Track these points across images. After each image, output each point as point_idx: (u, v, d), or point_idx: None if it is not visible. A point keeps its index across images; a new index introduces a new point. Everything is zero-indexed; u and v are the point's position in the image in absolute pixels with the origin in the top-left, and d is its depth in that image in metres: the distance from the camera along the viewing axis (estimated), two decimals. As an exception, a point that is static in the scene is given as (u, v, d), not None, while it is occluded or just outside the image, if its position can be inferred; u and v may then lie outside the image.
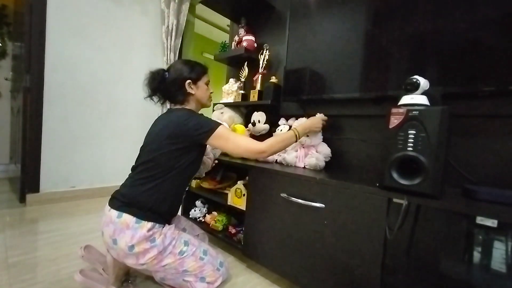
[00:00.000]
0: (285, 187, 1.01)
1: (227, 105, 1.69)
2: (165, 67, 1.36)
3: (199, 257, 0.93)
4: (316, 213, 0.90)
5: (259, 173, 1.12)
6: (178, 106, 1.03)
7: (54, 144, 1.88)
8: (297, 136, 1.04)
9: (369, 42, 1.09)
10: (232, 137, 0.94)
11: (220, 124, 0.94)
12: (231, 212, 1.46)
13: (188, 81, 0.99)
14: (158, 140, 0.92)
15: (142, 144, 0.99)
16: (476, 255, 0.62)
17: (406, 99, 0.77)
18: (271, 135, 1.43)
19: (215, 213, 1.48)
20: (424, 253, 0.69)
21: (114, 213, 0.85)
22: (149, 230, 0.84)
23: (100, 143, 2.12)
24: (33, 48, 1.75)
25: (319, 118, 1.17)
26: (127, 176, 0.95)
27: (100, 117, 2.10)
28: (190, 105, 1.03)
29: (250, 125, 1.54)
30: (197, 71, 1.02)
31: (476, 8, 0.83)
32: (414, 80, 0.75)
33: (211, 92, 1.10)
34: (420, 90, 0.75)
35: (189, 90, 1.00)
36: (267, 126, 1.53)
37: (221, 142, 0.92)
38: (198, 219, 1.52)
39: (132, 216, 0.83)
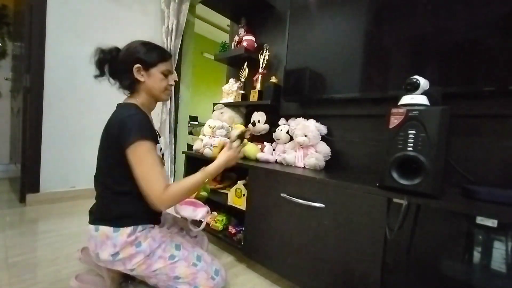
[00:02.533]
0: (285, 187, 1.01)
1: (227, 105, 1.69)
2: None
3: (192, 263, 0.87)
4: (316, 213, 0.90)
5: (259, 173, 1.12)
6: (126, 98, 0.93)
7: (54, 144, 1.88)
8: (208, 178, 0.89)
9: (369, 42, 1.09)
10: (147, 163, 0.76)
11: (148, 139, 0.77)
12: (231, 212, 1.46)
13: (137, 65, 0.85)
14: (101, 145, 0.85)
15: None
16: (476, 255, 0.62)
17: (406, 99, 0.77)
18: (271, 135, 1.44)
19: (215, 213, 1.48)
20: (424, 253, 0.69)
21: (91, 227, 0.83)
22: (129, 235, 0.80)
23: (100, 143, 2.11)
24: (33, 48, 1.75)
25: (235, 153, 0.96)
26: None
27: (100, 117, 2.08)
28: (140, 96, 0.89)
29: (250, 125, 1.55)
30: (153, 55, 0.86)
31: (476, 8, 0.83)
32: (414, 80, 0.75)
33: (171, 84, 0.92)
34: (420, 90, 0.75)
35: (137, 76, 0.86)
36: (267, 126, 1.53)
37: (133, 160, 0.76)
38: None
39: (109, 226, 0.80)
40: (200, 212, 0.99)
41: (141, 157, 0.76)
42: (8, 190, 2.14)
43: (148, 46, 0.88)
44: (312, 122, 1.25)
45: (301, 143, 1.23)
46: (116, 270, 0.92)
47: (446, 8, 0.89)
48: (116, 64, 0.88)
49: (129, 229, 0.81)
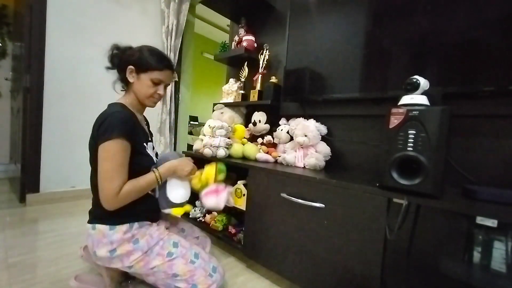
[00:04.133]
0: (285, 187, 1.01)
1: (227, 105, 1.69)
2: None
3: (190, 260, 0.87)
4: (316, 213, 0.90)
5: (259, 173, 1.12)
6: (120, 97, 0.97)
7: (54, 144, 1.88)
8: (159, 179, 0.87)
9: (369, 42, 1.09)
10: (111, 161, 0.77)
11: (119, 138, 0.77)
12: (231, 212, 1.46)
13: (131, 66, 0.88)
14: (90, 142, 0.87)
15: None
16: (476, 255, 0.62)
17: (406, 99, 0.77)
18: (272, 135, 1.44)
19: (215, 213, 1.48)
20: (424, 253, 0.69)
21: (89, 226, 0.84)
22: (125, 232, 0.82)
23: (100, 143, 2.11)
24: (33, 48, 1.75)
25: (187, 160, 0.98)
26: None
27: (100, 117, 2.09)
28: (130, 96, 0.93)
29: (250, 125, 1.55)
30: (149, 61, 0.88)
31: (476, 8, 0.83)
32: (414, 80, 0.75)
33: (159, 94, 0.93)
34: (420, 90, 0.75)
35: (128, 76, 0.90)
36: (267, 126, 1.53)
37: (102, 155, 0.78)
38: (198, 219, 1.52)
39: (105, 225, 0.82)
40: (222, 199, 1.02)
41: (109, 154, 0.77)
42: (8, 190, 2.14)
43: (151, 52, 0.91)
44: (312, 122, 1.25)
45: (301, 143, 1.23)
46: (115, 269, 0.93)
47: (446, 8, 0.89)
48: (120, 60, 0.93)
49: (125, 227, 0.83)
